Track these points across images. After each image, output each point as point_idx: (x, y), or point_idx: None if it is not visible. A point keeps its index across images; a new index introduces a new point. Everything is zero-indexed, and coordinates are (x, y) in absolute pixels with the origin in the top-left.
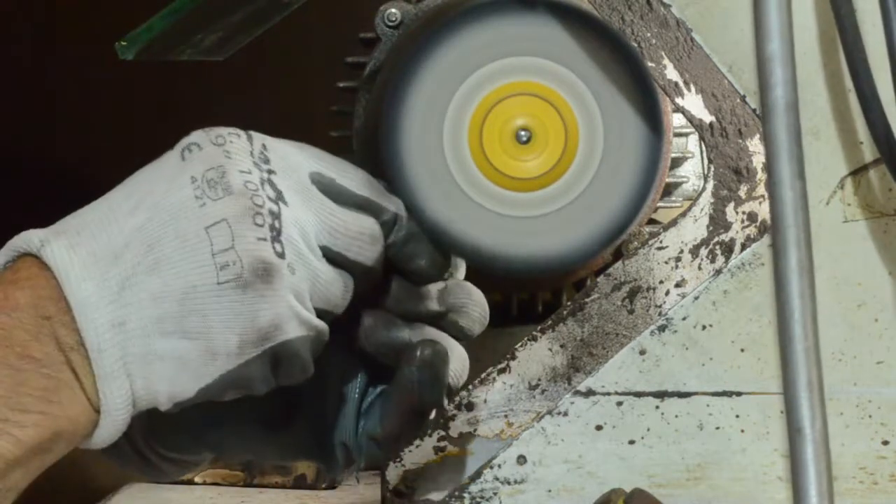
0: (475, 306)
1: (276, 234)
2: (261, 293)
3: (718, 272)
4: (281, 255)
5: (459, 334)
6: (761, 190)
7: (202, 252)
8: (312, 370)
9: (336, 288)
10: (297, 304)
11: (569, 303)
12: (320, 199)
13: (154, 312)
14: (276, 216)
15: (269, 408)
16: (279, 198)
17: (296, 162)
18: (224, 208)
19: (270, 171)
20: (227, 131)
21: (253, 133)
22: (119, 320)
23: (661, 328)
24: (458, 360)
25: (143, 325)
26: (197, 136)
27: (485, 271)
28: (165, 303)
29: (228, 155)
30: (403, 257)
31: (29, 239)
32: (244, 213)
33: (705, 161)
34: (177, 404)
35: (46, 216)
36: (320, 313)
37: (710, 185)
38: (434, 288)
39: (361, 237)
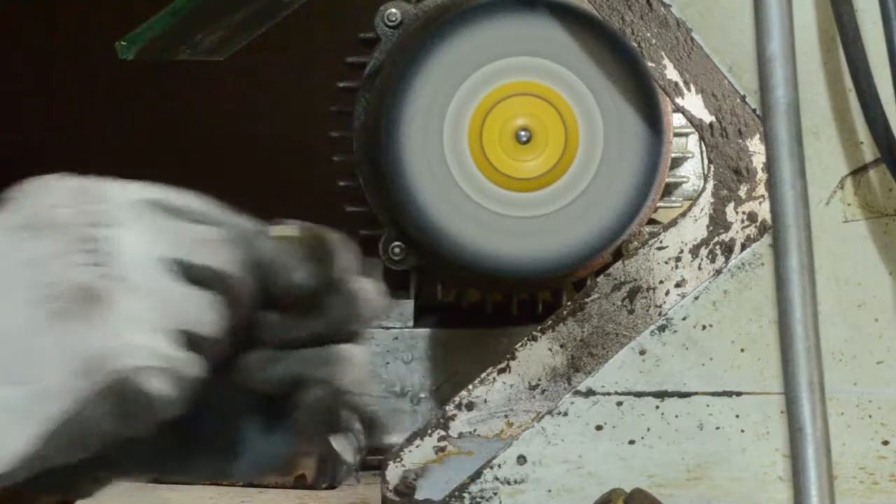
0: (359, 315)
1: (106, 257)
2: (86, 321)
3: (718, 272)
4: (110, 277)
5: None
6: (761, 190)
7: (19, 288)
8: (177, 407)
9: (196, 306)
10: (140, 331)
11: (569, 303)
12: (158, 216)
13: None
14: (105, 239)
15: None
16: (110, 222)
17: (122, 193)
18: (47, 242)
19: (95, 202)
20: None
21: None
22: None
23: (661, 328)
24: (358, 370)
25: None
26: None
27: (484, 271)
28: None
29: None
30: (269, 275)
31: None
32: (69, 242)
33: (705, 161)
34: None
35: None
36: (193, 340)
37: (710, 185)
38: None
39: (210, 241)
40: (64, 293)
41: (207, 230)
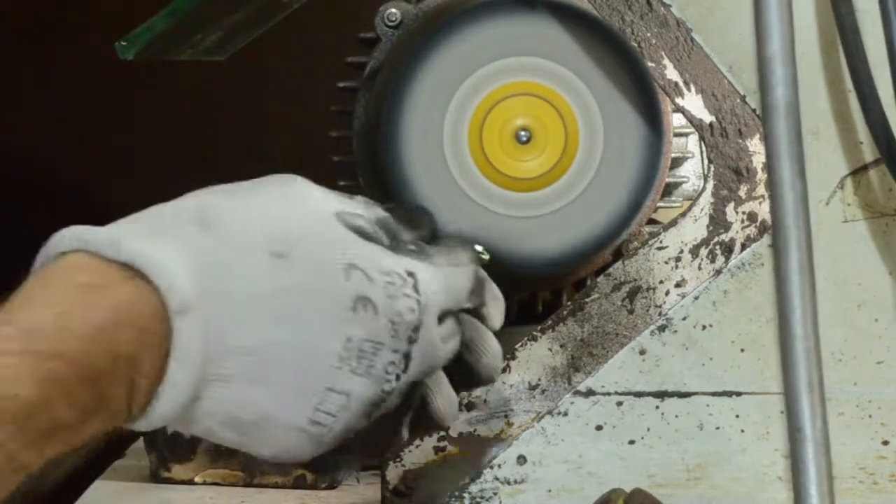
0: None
1: (378, 407)
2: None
3: (718, 272)
4: (370, 419)
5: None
6: (761, 190)
7: (308, 402)
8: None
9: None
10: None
11: (569, 303)
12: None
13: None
14: (391, 393)
15: None
16: (405, 370)
17: (434, 317)
18: (355, 386)
19: (415, 341)
20: (408, 307)
21: (422, 293)
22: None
23: (661, 328)
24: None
25: None
26: (379, 295)
27: (485, 271)
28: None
29: (395, 334)
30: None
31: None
32: (368, 397)
33: (705, 161)
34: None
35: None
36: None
37: (710, 185)
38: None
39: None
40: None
41: (466, 273)
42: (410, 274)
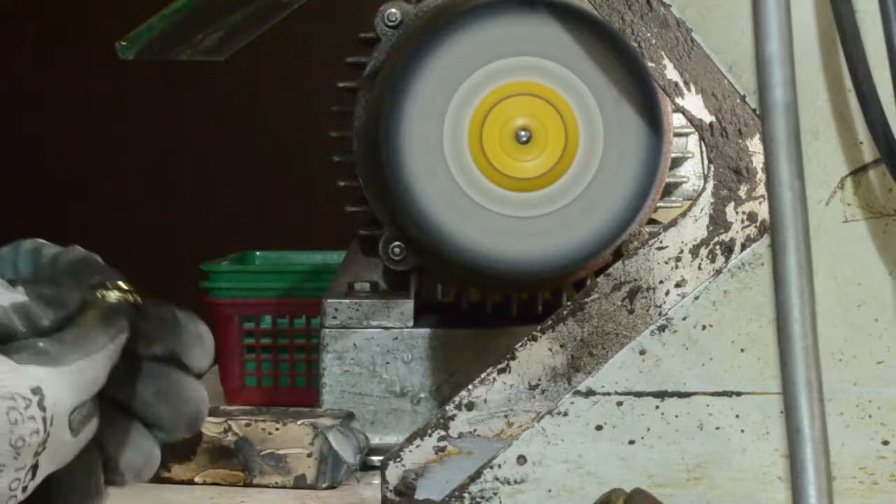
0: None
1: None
2: None
3: (718, 272)
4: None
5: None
6: (761, 190)
7: None
8: None
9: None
10: None
11: (569, 303)
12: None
13: None
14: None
15: None
16: (32, 478)
17: (64, 420)
18: None
19: (43, 451)
20: (31, 430)
21: (48, 408)
22: None
23: (661, 328)
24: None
25: None
26: (1, 423)
27: (485, 271)
28: None
29: (17, 456)
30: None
31: None
32: None
33: (705, 161)
34: None
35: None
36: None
37: (710, 185)
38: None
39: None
40: None
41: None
42: (35, 391)
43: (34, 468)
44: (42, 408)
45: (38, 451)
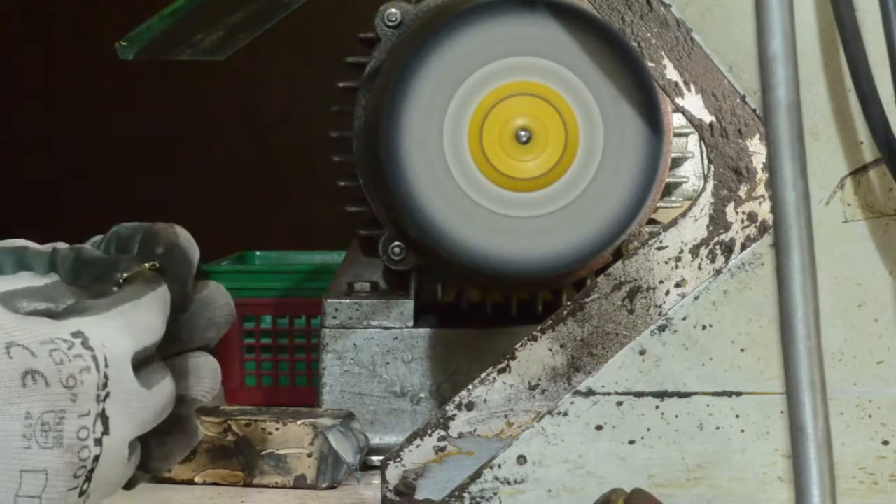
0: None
1: (88, 479)
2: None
3: (718, 272)
4: (84, 494)
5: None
6: (761, 190)
7: (7, 491)
8: None
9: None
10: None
11: (569, 303)
12: (137, 397)
13: None
14: (96, 460)
15: None
16: (105, 432)
17: (124, 364)
18: (48, 460)
19: (107, 396)
20: (80, 367)
21: (95, 348)
22: None
23: (661, 328)
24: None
25: None
26: (46, 364)
27: (485, 271)
28: None
29: (74, 398)
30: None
31: None
32: (66, 469)
33: (705, 161)
34: None
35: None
36: None
37: (710, 185)
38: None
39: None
40: None
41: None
42: (76, 334)
43: (103, 418)
44: (88, 347)
45: (101, 396)
